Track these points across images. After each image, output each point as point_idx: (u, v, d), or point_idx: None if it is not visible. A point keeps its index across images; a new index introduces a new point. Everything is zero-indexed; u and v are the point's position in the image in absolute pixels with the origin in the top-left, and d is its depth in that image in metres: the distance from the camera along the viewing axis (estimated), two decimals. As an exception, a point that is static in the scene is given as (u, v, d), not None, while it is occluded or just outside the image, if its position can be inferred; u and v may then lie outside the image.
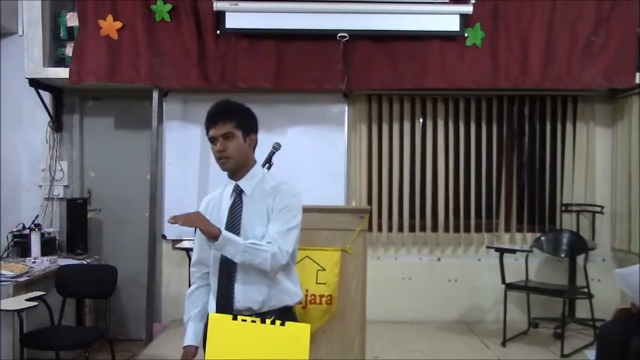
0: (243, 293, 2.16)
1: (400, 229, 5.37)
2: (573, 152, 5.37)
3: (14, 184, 5.19)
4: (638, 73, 4.79)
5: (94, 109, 5.41)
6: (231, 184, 2.26)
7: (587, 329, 4.89)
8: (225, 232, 2.07)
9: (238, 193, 2.22)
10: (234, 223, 2.18)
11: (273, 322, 1.97)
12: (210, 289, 2.27)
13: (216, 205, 2.27)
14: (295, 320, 2.23)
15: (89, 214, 5.24)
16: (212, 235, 2.04)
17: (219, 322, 2.01)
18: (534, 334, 4.96)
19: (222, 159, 2.20)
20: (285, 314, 2.18)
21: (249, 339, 1.97)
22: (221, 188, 2.32)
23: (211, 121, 2.23)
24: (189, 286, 2.37)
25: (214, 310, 2.18)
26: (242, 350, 1.96)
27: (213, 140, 2.21)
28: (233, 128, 2.20)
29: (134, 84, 4.72)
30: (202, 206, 2.31)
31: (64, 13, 4.93)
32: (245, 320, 2.00)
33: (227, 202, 2.24)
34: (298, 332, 1.94)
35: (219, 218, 2.20)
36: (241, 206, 2.20)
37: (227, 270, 2.17)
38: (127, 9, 4.62)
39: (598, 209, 5.27)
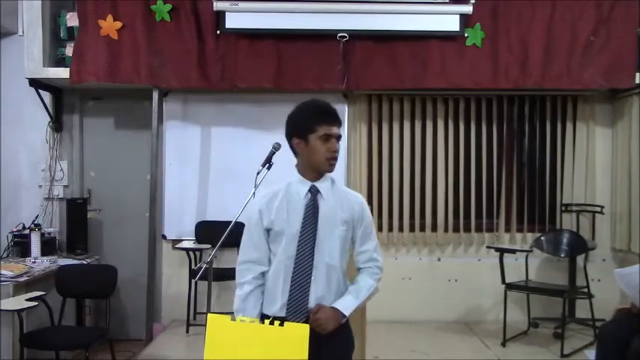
0: (316, 294, 2.15)
1: (400, 229, 5.37)
2: (573, 152, 5.37)
3: (14, 184, 5.19)
4: (638, 73, 4.79)
5: (94, 109, 5.41)
6: (302, 184, 2.22)
7: (587, 329, 4.89)
8: (348, 312, 2.14)
9: (314, 193, 2.21)
10: (310, 226, 2.17)
11: (272, 323, 1.97)
12: (262, 290, 2.22)
13: (284, 203, 2.20)
14: (347, 325, 2.23)
15: (89, 214, 5.24)
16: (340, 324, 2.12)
17: (218, 322, 2.01)
18: (534, 334, 4.96)
19: (333, 160, 2.19)
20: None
21: (249, 339, 1.97)
22: (281, 186, 2.26)
23: (332, 118, 2.19)
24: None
25: (277, 311, 2.14)
26: (241, 350, 1.96)
27: (327, 138, 2.17)
28: (341, 133, 2.23)
29: (134, 84, 4.72)
30: (263, 202, 2.22)
31: (64, 13, 4.93)
32: (244, 320, 2.00)
33: (299, 201, 2.20)
34: (297, 332, 1.94)
35: (291, 218, 2.17)
36: (317, 208, 2.19)
37: (303, 270, 2.15)
38: (127, 9, 4.62)
39: (598, 209, 5.27)
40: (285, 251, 2.17)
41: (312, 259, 2.15)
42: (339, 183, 2.32)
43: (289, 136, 2.24)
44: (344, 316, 2.13)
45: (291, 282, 2.15)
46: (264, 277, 2.21)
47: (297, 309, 2.13)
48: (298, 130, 2.20)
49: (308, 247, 2.15)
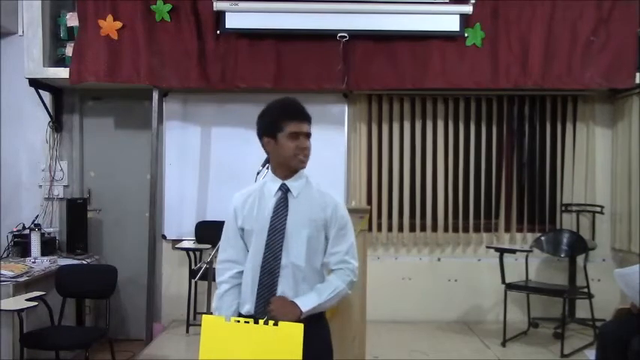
0: (284, 293, 2.13)
1: (400, 229, 5.37)
2: (573, 152, 5.37)
3: (14, 184, 5.19)
4: (638, 73, 4.79)
5: (94, 109, 5.41)
6: (274, 182, 2.22)
7: (587, 329, 4.89)
8: (305, 308, 2.08)
9: (284, 192, 2.20)
10: (278, 224, 2.16)
11: (266, 323, 1.97)
12: (239, 289, 2.22)
13: (255, 201, 2.21)
14: (327, 325, 2.23)
15: (89, 214, 5.24)
16: (297, 319, 2.05)
17: (213, 323, 2.01)
18: (534, 334, 4.96)
19: (302, 156, 2.18)
20: (320, 318, 2.19)
21: (243, 340, 1.97)
22: (259, 184, 2.28)
23: (300, 116, 2.19)
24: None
25: (250, 309, 2.14)
26: (236, 351, 1.96)
27: (296, 135, 2.16)
28: (310, 130, 2.21)
29: (134, 84, 4.72)
30: (239, 201, 2.24)
31: (64, 13, 4.94)
32: (238, 321, 2.00)
33: (269, 199, 2.19)
34: (291, 332, 1.93)
35: (259, 216, 2.18)
36: (287, 207, 2.17)
37: (271, 269, 2.14)
38: (127, 9, 4.61)
39: (598, 209, 5.27)
40: (254, 250, 2.17)
41: (280, 259, 2.13)
42: (317, 183, 2.27)
43: (260, 136, 2.24)
44: (301, 312, 2.07)
45: (259, 281, 2.15)
46: (241, 276, 2.22)
47: (264, 309, 2.11)
48: (267, 129, 2.20)
49: (276, 246, 2.14)
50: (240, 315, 2.17)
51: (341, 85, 4.72)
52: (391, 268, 5.35)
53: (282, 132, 2.16)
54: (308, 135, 2.19)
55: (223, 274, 2.23)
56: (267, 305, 2.09)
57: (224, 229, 2.27)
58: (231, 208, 2.24)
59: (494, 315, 5.27)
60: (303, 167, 2.21)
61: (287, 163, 2.18)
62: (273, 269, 2.14)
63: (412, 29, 4.68)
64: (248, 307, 2.16)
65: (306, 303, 2.10)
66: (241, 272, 2.22)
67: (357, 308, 3.34)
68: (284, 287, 2.13)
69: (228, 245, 2.25)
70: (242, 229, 2.21)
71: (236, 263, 2.22)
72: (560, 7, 4.71)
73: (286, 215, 2.17)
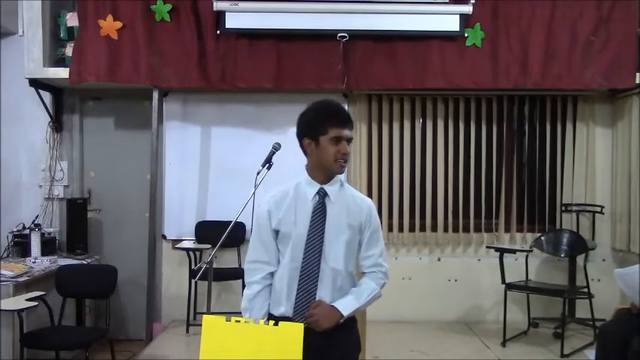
0: (322, 297, 2.14)
1: (400, 229, 5.37)
2: (573, 152, 5.37)
3: (14, 184, 5.19)
4: (638, 73, 4.79)
5: (94, 109, 5.42)
6: (311, 186, 2.21)
7: (587, 329, 4.89)
8: (346, 312, 2.12)
9: (322, 196, 2.20)
10: (317, 229, 2.16)
11: (267, 323, 1.97)
12: (270, 290, 2.22)
13: (292, 204, 2.20)
14: (356, 326, 2.26)
15: (89, 214, 5.24)
16: (337, 323, 2.11)
17: (213, 323, 2.01)
18: (534, 334, 4.96)
19: (343, 162, 2.19)
20: (353, 318, 2.22)
21: (244, 339, 1.97)
22: (291, 185, 2.25)
23: (346, 121, 2.19)
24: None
25: (285, 312, 2.15)
26: (236, 351, 1.96)
27: (338, 140, 2.16)
28: (351, 135, 2.23)
29: (134, 84, 4.72)
30: (272, 202, 2.22)
31: (64, 13, 4.94)
32: (239, 321, 2.00)
33: (307, 203, 2.19)
34: (292, 332, 1.94)
35: (298, 219, 2.18)
36: (325, 212, 2.18)
37: (310, 273, 2.15)
38: (127, 9, 4.62)
39: (598, 209, 5.27)
40: (292, 254, 2.17)
41: (319, 263, 2.15)
42: (349, 186, 2.30)
43: (300, 136, 2.23)
44: (342, 315, 2.12)
45: (298, 285, 2.15)
46: (272, 277, 2.21)
47: (303, 312, 2.13)
48: (309, 131, 2.19)
49: (315, 251, 2.15)
50: (271, 317, 2.16)
51: (341, 85, 4.73)
52: (391, 268, 5.24)
53: (325, 135, 2.16)
54: (349, 140, 2.20)
55: (254, 274, 2.22)
56: (307, 309, 2.12)
57: (254, 230, 2.26)
58: (263, 209, 2.22)
59: (494, 315, 5.27)
60: (342, 172, 2.23)
61: (327, 167, 2.19)
62: (313, 273, 2.15)
63: (412, 29, 4.68)
64: (283, 310, 2.16)
65: (346, 306, 2.13)
66: (272, 273, 2.21)
67: (357, 308, 3.34)
68: (322, 292, 2.15)
69: (259, 246, 2.23)
70: (276, 232, 2.20)
71: (268, 264, 2.21)
72: (560, 7, 4.71)
73: (325, 220, 2.17)
